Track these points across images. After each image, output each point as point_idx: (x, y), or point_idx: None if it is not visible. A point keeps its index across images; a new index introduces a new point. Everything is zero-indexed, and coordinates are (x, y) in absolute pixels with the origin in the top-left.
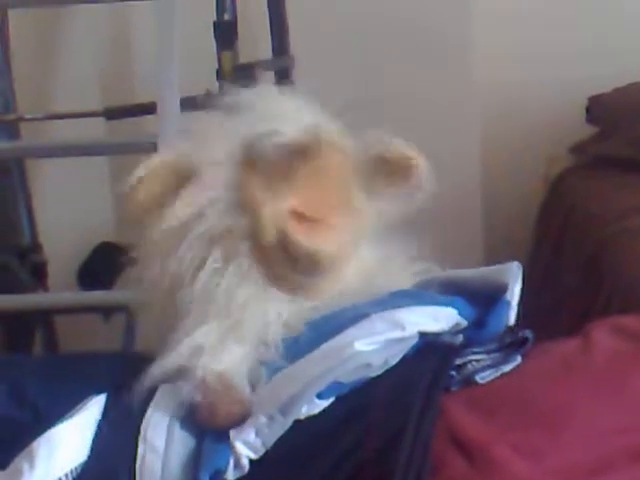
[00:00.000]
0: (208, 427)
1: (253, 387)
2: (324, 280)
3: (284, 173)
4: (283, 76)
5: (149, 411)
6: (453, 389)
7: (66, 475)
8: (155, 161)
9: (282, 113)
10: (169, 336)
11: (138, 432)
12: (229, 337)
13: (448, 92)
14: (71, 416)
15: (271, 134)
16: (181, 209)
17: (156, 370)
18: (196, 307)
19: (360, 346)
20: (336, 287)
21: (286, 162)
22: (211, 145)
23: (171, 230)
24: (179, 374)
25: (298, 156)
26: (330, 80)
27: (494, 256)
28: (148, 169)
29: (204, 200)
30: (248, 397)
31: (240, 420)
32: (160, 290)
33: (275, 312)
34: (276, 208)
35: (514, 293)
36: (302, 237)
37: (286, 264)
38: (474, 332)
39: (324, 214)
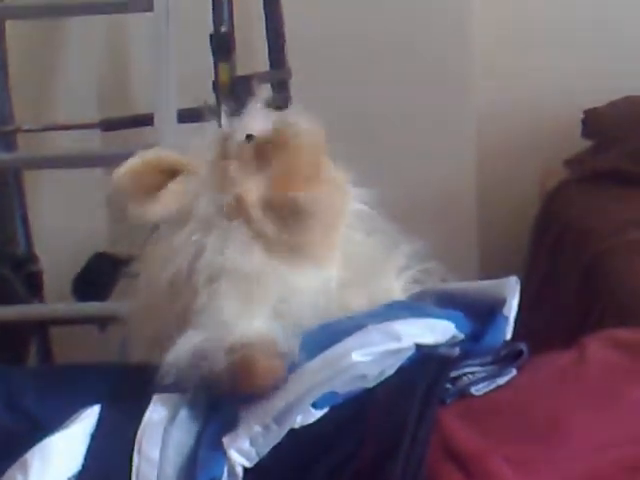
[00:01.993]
0: (245, 389)
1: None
2: (315, 237)
3: (257, 155)
4: (280, 88)
5: (144, 421)
6: (448, 401)
7: None
8: (139, 159)
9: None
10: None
11: (133, 443)
12: (249, 308)
13: (445, 104)
14: (65, 427)
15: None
16: (172, 200)
17: (182, 348)
18: (205, 289)
19: (357, 357)
20: (332, 252)
21: (259, 146)
22: (193, 144)
23: (165, 225)
24: (205, 351)
25: (270, 140)
26: (327, 92)
27: (489, 269)
28: (133, 165)
29: (192, 190)
30: (286, 354)
31: (279, 378)
32: (158, 292)
33: (287, 283)
34: (255, 183)
35: (512, 308)
36: (281, 191)
37: (275, 225)
38: (470, 345)
39: (299, 183)
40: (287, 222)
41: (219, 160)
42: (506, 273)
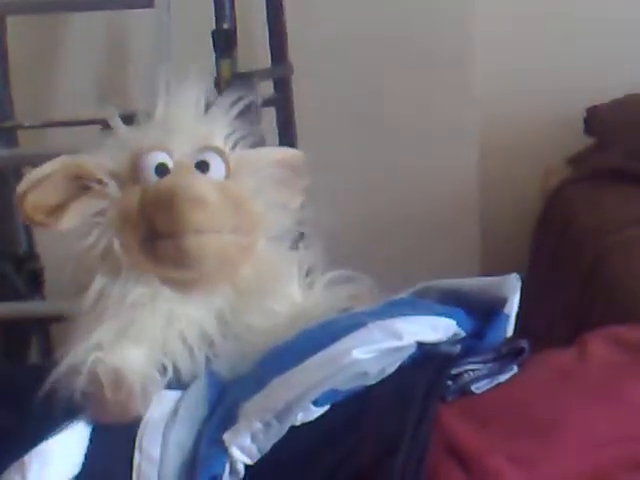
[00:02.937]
0: (97, 420)
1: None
2: (204, 276)
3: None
4: (281, 85)
5: (144, 420)
6: (449, 399)
7: None
8: (49, 167)
9: (175, 127)
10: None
11: (133, 442)
12: (124, 336)
13: (446, 104)
14: (63, 429)
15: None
16: (70, 219)
17: (55, 372)
18: (91, 312)
19: (358, 354)
20: (230, 283)
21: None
22: (104, 156)
23: (69, 236)
24: (76, 372)
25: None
26: (328, 89)
27: (490, 267)
28: (43, 173)
29: (91, 212)
30: (139, 396)
31: (127, 417)
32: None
33: (175, 313)
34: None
35: (513, 306)
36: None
37: (165, 265)
38: (471, 342)
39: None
40: (177, 265)
41: (125, 186)
42: (507, 272)
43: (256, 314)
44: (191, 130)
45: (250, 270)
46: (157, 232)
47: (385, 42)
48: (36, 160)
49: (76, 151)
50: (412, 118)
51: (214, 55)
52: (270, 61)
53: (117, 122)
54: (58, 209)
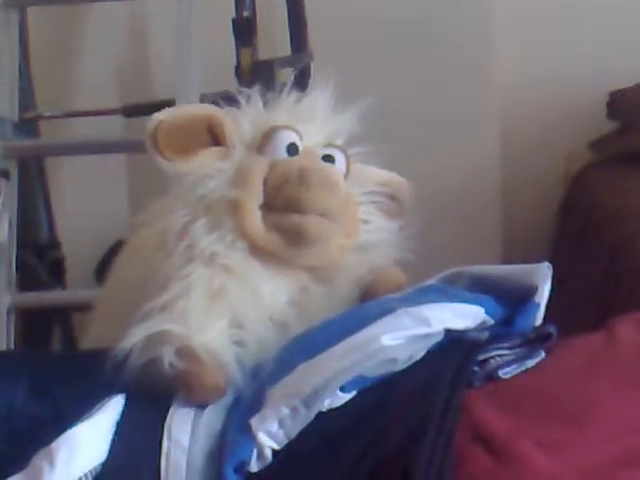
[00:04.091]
0: (183, 397)
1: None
2: (306, 258)
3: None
4: (302, 72)
5: (173, 407)
6: (476, 384)
7: (85, 475)
8: (193, 110)
9: (309, 116)
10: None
11: (160, 429)
12: (213, 306)
13: (467, 88)
14: (91, 416)
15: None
16: (195, 164)
17: (136, 334)
18: (180, 274)
19: (386, 341)
20: (323, 262)
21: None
22: (237, 120)
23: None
24: (159, 340)
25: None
26: (348, 77)
27: (513, 253)
28: (186, 113)
29: (215, 166)
30: (228, 372)
31: (215, 396)
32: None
33: (261, 288)
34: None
35: (543, 294)
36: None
37: (275, 236)
38: (500, 330)
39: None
40: (288, 240)
41: (252, 154)
42: (530, 257)
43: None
44: (322, 123)
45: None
46: (277, 204)
47: (405, 30)
48: (58, 150)
49: (98, 140)
50: (432, 106)
51: (234, 43)
52: (290, 49)
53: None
54: (185, 151)
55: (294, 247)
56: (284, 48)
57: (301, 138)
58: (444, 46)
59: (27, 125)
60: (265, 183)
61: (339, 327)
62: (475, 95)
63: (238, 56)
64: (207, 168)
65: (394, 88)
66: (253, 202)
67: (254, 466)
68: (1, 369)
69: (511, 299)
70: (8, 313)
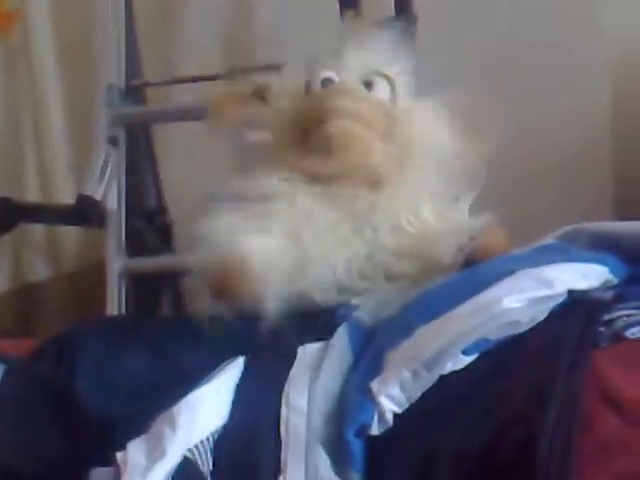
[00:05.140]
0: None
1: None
2: (351, 171)
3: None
4: (406, 34)
5: (291, 372)
6: (602, 345)
7: (207, 438)
8: (242, 88)
9: (347, 55)
10: None
11: (280, 393)
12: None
13: (578, 42)
14: (210, 379)
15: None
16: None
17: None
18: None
19: (508, 303)
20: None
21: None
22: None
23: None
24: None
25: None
26: (453, 39)
27: (624, 209)
28: (236, 91)
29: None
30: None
31: (251, 296)
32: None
33: (314, 212)
34: None
35: None
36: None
37: (311, 157)
38: (625, 288)
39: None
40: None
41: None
42: None
43: (389, 233)
44: (362, 57)
45: (390, 187)
46: (309, 128)
47: None
48: (164, 116)
49: (204, 106)
50: (544, 62)
51: (338, 5)
52: (394, 11)
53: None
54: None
55: (331, 159)
56: (388, 9)
57: (339, 74)
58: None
59: (134, 92)
60: (299, 114)
61: (458, 289)
62: (586, 47)
63: (342, 18)
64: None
65: (498, 48)
66: (288, 138)
67: (375, 429)
68: (116, 333)
69: (636, 256)
70: (119, 278)
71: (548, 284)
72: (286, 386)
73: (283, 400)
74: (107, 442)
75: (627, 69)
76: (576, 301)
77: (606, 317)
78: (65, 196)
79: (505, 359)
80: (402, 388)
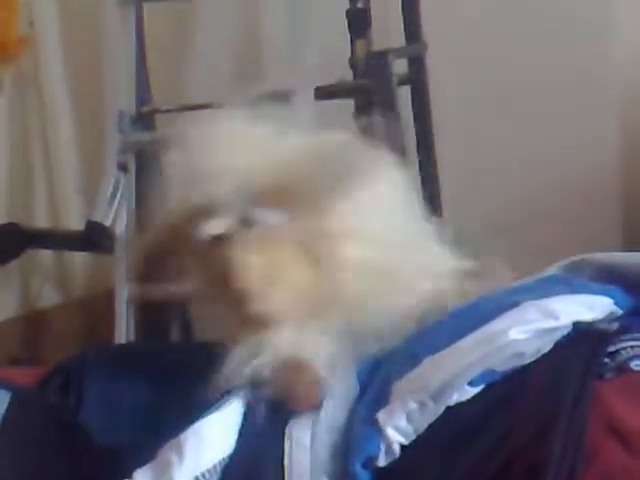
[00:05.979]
0: (290, 408)
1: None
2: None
3: None
4: (416, 63)
5: None
6: (607, 376)
7: (214, 467)
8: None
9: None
10: None
11: (284, 428)
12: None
13: (587, 71)
14: (218, 407)
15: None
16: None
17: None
18: None
19: (514, 335)
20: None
21: None
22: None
23: None
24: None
25: None
26: (463, 67)
27: (634, 241)
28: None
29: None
30: (323, 379)
31: (314, 404)
32: None
33: None
34: None
35: None
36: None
37: None
38: (630, 320)
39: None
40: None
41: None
42: None
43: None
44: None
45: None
46: None
47: (522, 16)
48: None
49: None
50: (555, 96)
51: (349, 35)
52: (404, 40)
53: None
54: None
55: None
56: (398, 39)
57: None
58: (566, 30)
59: (144, 119)
60: None
61: (463, 320)
62: (594, 76)
63: (352, 48)
64: None
65: (508, 73)
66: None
67: (382, 461)
68: (123, 361)
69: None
70: (128, 304)
71: (554, 315)
72: (290, 419)
73: (286, 434)
74: (114, 471)
75: (636, 103)
76: (581, 333)
77: (611, 349)
78: (74, 222)
79: (511, 390)
80: (409, 419)
